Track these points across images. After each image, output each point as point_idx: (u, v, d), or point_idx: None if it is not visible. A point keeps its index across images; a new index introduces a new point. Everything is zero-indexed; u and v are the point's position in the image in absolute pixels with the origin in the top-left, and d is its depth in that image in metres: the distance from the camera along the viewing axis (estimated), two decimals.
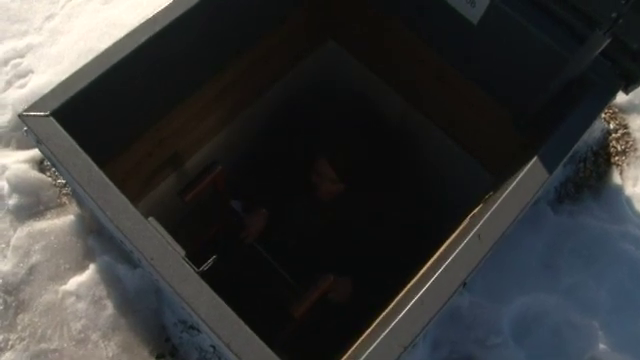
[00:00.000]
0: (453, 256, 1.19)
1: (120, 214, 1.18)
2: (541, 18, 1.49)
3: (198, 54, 1.60)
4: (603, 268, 1.55)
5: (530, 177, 1.30)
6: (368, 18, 1.94)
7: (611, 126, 1.84)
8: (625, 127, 1.84)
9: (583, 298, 1.54)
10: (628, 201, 1.70)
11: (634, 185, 1.74)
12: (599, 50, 1.35)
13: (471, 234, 1.22)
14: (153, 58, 1.43)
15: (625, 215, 1.66)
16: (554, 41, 1.47)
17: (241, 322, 1.13)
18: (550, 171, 1.31)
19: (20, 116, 1.30)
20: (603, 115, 1.84)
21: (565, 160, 1.41)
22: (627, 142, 1.82)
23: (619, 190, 1.72)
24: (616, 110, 1.87)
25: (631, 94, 1.86)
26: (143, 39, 1.38)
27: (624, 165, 1.78)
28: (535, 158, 1.32)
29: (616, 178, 1.75)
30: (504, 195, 1.27)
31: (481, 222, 1.23)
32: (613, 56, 1.45)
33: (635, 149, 1.81)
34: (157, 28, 1.40)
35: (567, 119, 1.39)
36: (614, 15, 1.28)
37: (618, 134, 1.82)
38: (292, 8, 1.87)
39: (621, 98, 1.86)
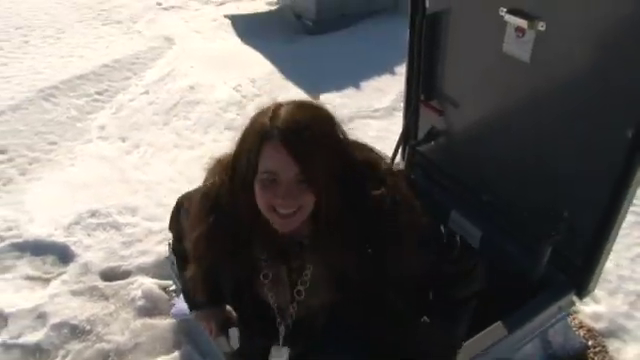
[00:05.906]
0: None
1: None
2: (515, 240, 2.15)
3: None
4: None
5: (480, 341, 1.78)
6: None
7: (590, 343, 2.25)
8: (603, 347, 2.25)
9: None
10: None
11: None
12: (545, 260, 1.96)
13: None
14: None
15: None
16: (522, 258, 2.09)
17: None
18: (494, 341, 1.79)
19: (170, 244, 2.14)
20: (582, 333, 2.28)
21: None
22: (604, 357, 2.20)
23: None
24: (596, 334, 2.30)
25: (607, 322, 2.34)
26: None
27: None
28: (489, 328, 1.83)
29: None
30: None
31: None
32: (564, 269, 2.03)
33: None
34: None
35: (520, 311, 1.92)
36: (553, 233, 1.91)
37: (596, 350, 2.22)
38: None
39: (599, 324, 2.31)
